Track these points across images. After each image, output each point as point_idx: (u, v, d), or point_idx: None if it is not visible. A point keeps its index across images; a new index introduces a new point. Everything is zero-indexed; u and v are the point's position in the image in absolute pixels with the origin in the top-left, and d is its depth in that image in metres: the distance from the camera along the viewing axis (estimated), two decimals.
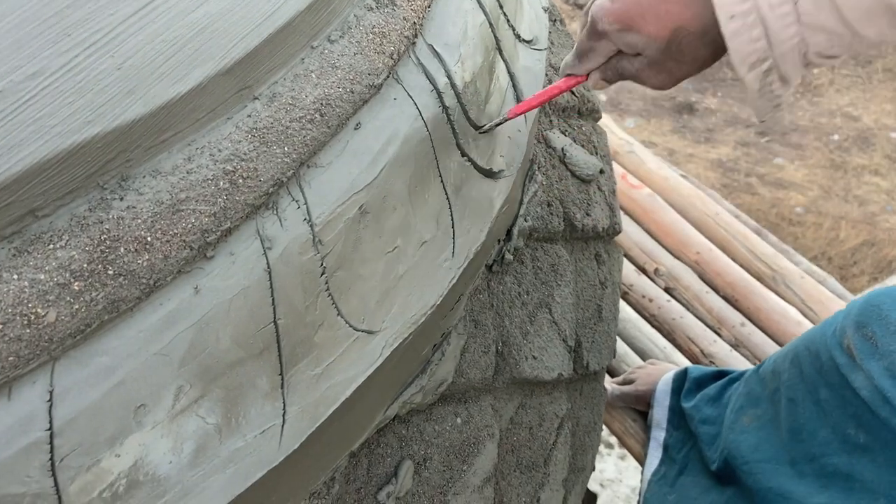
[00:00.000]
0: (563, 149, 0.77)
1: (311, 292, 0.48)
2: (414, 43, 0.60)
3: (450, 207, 0.58)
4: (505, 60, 0.68)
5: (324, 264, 0.49)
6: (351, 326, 0.50)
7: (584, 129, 0.84)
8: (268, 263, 0.46)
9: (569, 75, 0.59)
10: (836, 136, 3.21)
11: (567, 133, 0.81)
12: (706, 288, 1.56)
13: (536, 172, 0.70)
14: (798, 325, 1.50)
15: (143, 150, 0.43)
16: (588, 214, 0.75)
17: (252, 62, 0.48)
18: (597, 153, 0.84)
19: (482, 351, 0.59)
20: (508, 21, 0.71)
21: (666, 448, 1.21)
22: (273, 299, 0.46)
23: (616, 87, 3.53)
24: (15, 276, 0.39)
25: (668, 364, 1.40)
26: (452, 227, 0.57)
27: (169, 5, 0.45)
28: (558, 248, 0.71)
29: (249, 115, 0.48)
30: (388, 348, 0.50)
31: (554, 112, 0.81)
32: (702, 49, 0.53)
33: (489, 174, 0.62)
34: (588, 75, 0.58)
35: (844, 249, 2.84)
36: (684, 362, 1.47)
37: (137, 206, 0.42)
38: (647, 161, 1.80)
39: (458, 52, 0.63)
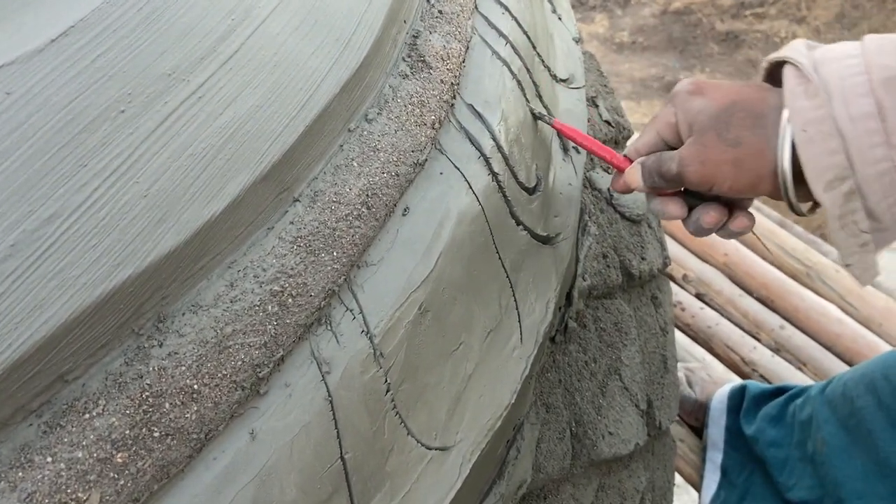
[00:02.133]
0: (609, 190, 0.71)
1: (377, 415, 0.42)
2: (453, 105, 0.54)
3: (511, 287, 0.52)
4: (546, 107, 0.63)
5: (387, 380, 0.43)
6: (423, 446, 0.44)
7: None
8: (328, 390, 0.41)
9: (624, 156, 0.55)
10: None
11: (610, 170, 0.75)
12: (739, 291, 1.51)
13: (589, 223, 0.64)
14: (839, 322, 1.45)
15: (179, 284, 0.38)
16: (643, 258, 0.70)
17: (290, 161, 0.42)
18: None
19: (557, 437, 0.54)
20: (543, 61, 0.66)
21: (724, 471, 1.15)
22: (338, 431, 0.41)
23: (607, 66, 3.49)
24: (49, 459, 0.33)
25: (713, 375, 1.35)
26: (517, 308, 0.52)
27: (193, 112, 0.39)
28: (619, 304, 0.65)
29: (292, 222, 0.42)
30: (466, 465, 0.45)
31: None
32: (751, 135, 0.46)
33: (547, 240, 0.56)
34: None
35: None
36: (724, 371, 1.42)
37: (180, 351, 0.37)
38: None
39: (499, 108, 0.57)
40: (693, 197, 0.52)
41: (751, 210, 0.52)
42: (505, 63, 0.59)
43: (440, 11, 0.57)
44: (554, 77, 0.66)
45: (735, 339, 1.44)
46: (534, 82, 0.62)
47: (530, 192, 0.57)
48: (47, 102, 0.35)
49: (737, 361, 1.41)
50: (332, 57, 0.46)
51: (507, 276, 0.52)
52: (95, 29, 0.37)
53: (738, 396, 1.17)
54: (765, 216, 1.70)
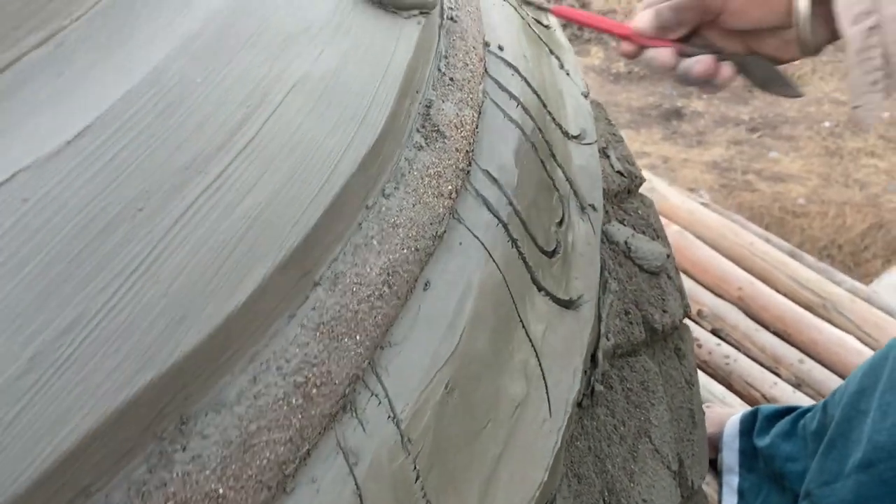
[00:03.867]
0: (626, 242, 0.70)
1: None
2: (468, 172, 0.54)
3: (537, 356, 0.51)
4: (560, 166, 0.62)
5: (416, 467, 0.42)
6: None
7: (639, 210, 0.78)
8: (356, 483, 0.39)
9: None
10: (826, 123, 3.18)
11: (625, 221, 0.74)
12: (755, 325, 1.49)
13: (609, 279, 0.63)
14: (859, 354, 1.42)
15: (202, 382, 0.37)
16: (665, 311, 0.69)
17: (310, 245, 0.41)
18: (655, 233, 0.77)
19: None
20: (554, 119, 0.65)
21: (741, 493, 1.15)
22: None
23: (604, 98, 3.54)
24: None
25: (729, 408, 1.33)
26: (543, 378, 0.51)
27: (212, 203, 0.38)
28: (643, 361, 0.64)
29: (314, 308, 0.41)
30: None
31: (607, 199, 0.74)
32: None
33: (569, 304, 0.55)
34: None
35: (853, 235, 2.84)
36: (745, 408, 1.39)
37: (203, 454, 0.36)
38: (669, 197, 1.73)
39: (514, 171, 0.56)
40: (687, 56, 0.55)
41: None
42: (518, 125, 0.59)
43: (451, 79, 0.56)
44: (566, 134, 0.66)
45: (754, 374, 1.41)
46: (546, 141, 0.62)
47: (550, 255, 0.56)
48: (64, 206, 0.34)
49: (758, 398, 1.38)
50: (348, 136, 0.45)
51: (533, 346, 0.51)
52: (111, 127, 0.37)
53: (750, 420, 1.18)
54: (775, 247, 1.69)
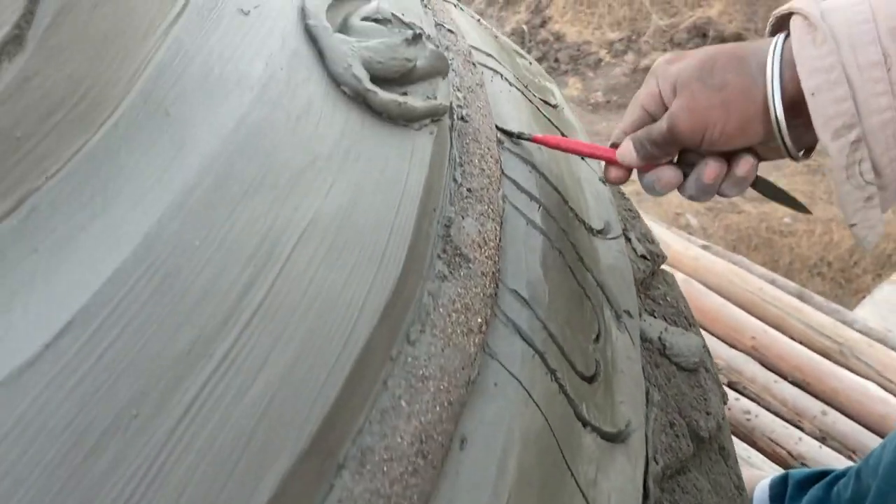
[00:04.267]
0: (660, 338, 0.65)
1: None
2: (496, 296, 0.49)
3: None
4: (589, 269, 0.57)
5: None
6: None
7: (667, 297, 0.73)
8: None
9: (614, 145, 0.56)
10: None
11: (656, 313, 0.69)
12: (773, 376, 1.44)
13: (650, 390, 0.58)
14: (883, 402, 1.37)
15: None
16: (708, 413, 0.63)
17: (333, 421, 0.36)
18: (687, 321, 0.72)
19: None
20: (577, 215, 0.61)
21: None
22: None
23: (585, 128, 3.56)
24: None
25: (758, 471, 1.27)
26: None
27: (219, 392, 0.32)
28: (694, 478, 0.58)
29: (340, 500, 0.35)
30: None
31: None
32: (735, 77, 0.46)
33: (618, 437, 0.49)
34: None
35: (842, 252, 2.88)
36: (771, 468, 1.33)
37: None
38: (671, 244, 1.69)
39: (544, 287, 0.51)
40: (687, 165, 0.53)
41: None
42: (542, 231, 0.54)
43: (469, 189, 0.52)
44: (590, 230, 0.61)
45: (778, 430, 1.36)
46: (572, 243, 0.57)
47: (591, 380, 0.50)
48: (43, 429, 0.28)
49: (783, 456, 1.32)
50: (367, 281, 0.40)
51: (584, 495, 0.45)
52: (99, 316, 0.31)
53: (780, 485, 1.13)
54: (781, 288, 1.65)
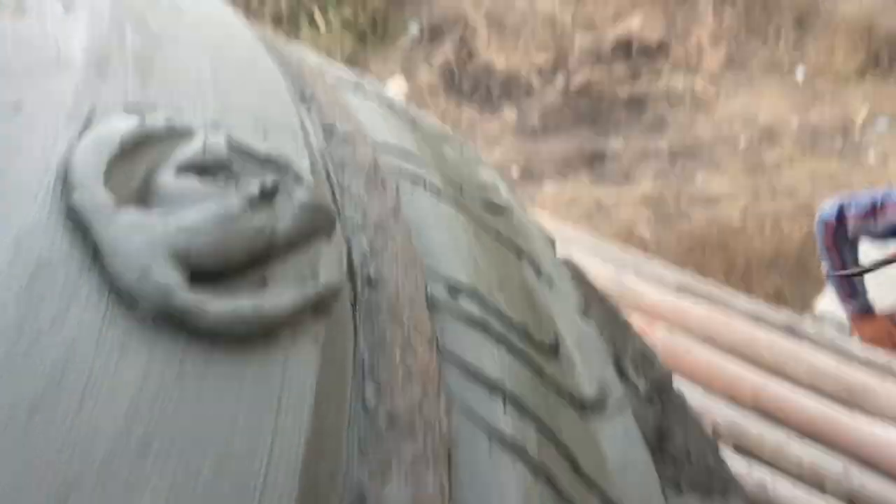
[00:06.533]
0: None
1: None
2: None
3: None
4: (596, 485, 0.37)
5: None
6: None
7: (689, 447, 0.54)
8: None
9: None
10: (742, 140, 3.21)
11: (682, 482, 0.50)
12: (784, 435, 1.27)
13: None
14: None
15: None
16: None
17: None
18: (722, 481, 0.53)
19: None
20: (559, 386, 0.41)
21: None
22: None
23: (526, 154, 3.45)
24: None
25: None
26: None
27: None
28: None
29: None
30: None
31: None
32: None
33: None
34: None
35: (795, 245, 2.91)
36: None
37: None
38: (645, 293, 1.52)
39: None
40: None
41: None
42: (517, 451, 0.34)
43: (390, 416, 0.31)
44: (581, 406, 0.42)
45: (801, 499, 1.18)
46: (567, 487, 0.37)
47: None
48: None
49: None
50: None
51: None
52: None
53: None
54: (767, 322, 1.49)
